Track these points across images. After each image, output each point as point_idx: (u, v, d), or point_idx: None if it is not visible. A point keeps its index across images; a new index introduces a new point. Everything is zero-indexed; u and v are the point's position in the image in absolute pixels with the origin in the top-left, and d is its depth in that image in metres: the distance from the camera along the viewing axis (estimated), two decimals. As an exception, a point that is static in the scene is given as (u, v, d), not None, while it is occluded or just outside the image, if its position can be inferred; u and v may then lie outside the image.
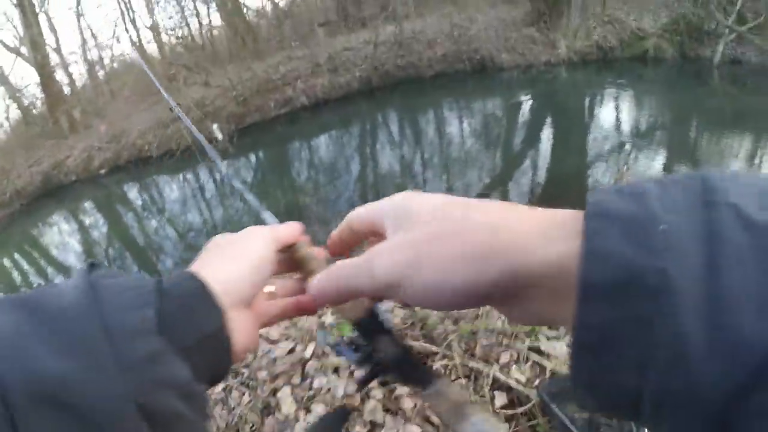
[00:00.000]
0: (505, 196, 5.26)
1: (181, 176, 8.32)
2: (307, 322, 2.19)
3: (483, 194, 5.25)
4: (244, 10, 11.01)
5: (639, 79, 9.45)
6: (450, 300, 0.24)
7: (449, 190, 5.55)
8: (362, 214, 0.32)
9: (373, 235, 0.32)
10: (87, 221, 8.08)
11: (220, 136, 8.24)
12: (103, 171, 9.40)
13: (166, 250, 5.77)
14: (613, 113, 7.93)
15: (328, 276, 0.30)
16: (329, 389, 1.81)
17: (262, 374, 2.00)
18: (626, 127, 7.17)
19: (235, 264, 0.33)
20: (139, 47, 14.32)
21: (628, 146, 6.41)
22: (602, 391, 0.20)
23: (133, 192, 8.67)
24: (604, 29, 9.97)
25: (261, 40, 10.69)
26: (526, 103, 8.43)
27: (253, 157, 8.58)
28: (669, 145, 6.39)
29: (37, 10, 12.67)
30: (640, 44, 10.10)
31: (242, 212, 6.19)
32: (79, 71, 15.66)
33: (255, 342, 0.33)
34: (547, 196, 4.96)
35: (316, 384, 1.85)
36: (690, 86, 9.06)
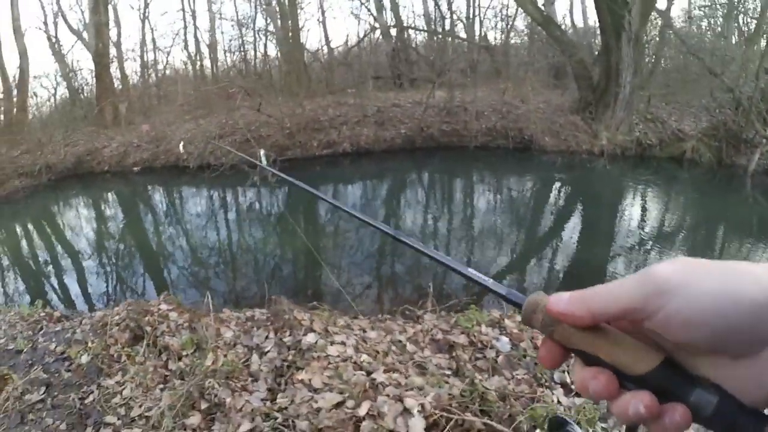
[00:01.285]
0: (523, 275, 5.29)
1: (211, 192, 8.40)
2: (354, 375, 2.06)
3: (502, 268, 5.30)
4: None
5: (674, 179, 9.57)
6: (722, 315, 0.25)
7: (470, 260, 5.58)
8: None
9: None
10: (107, 212, 8.13)
11: (265, 162, 8.47)
12: (136, 168, 9.50)
13: (175, 260, 5.67)
14: (644, 209, 8.00)
15: (584, 293, 0.30)
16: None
17: (302, 424, 1.82)
18: (653, 224, 7.22)
19: None
20: (194, 61, 15.07)
21: (651, 243, 6.43)
22: None
23: (159, 195, 8.78)
24: (645, 126, 10.21)
25: (313, 80, 11.16)
26: (562, 187, 8.57)
27: (292, 190, 8.75)
28: (691, 247, 6.43)
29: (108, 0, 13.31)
30: (678, 145, 10.28)
31: (258, 239, 6.21)
32: (133, 69, 16.32)
33: None
34: (567, 278, 5.00)
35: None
36: (722, 192, 9.14)
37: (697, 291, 0.26)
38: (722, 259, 0.29)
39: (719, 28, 14.45)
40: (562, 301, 0.30)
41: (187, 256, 5.78)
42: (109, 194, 9.04)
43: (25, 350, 2.62)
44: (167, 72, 17.10)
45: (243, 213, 7.70)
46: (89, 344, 2.54)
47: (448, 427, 1.82)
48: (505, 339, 2.52)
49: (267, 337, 2.50)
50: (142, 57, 15.90)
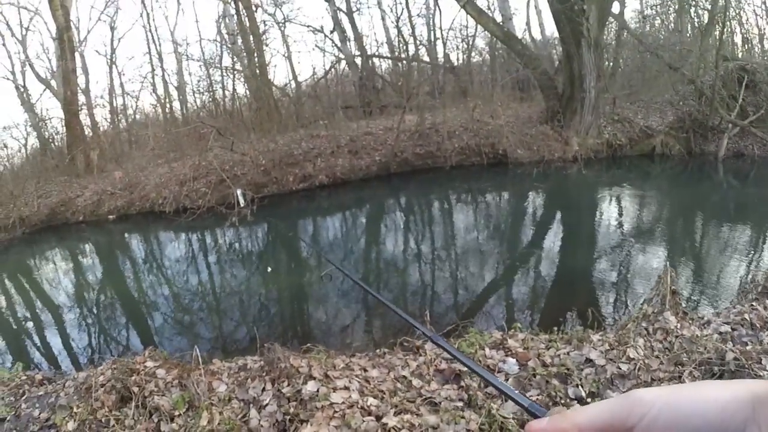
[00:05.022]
0: (512, 288, 5.26)
1: (189, 236, 8.28)
2: (364, 422, 1.85)
3: (491, 286, 5.24)
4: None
5: (647, 175, 9.74)
6: (698, 413, 0.28)
7: (457, 279, 5.53)
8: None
9: None
10: (85, 263, 7.86)
11: (242, 202, 8.38)
12: (111, 217, 9.28)
13: (159, 309, 5.49)
14: (621, 208, 8.08)
15: (565, 411, 0.32)
16: None
17: None
18: (633, 221, 7.28)
19: None
20: (163, 104, 15.02)
21: (633, 240, 6.45)
22: None
23: (137, 243, 8.59)
24: (614, 127, 10.43)
25: (284, 115, 11.18)
26: (540, 196, 8.65)
27: (272, 229, 8.65)
28: (673, 239, 6.47)
29: (75, 47, 13.13)
30: (647, 142, 10.51)
31: (242, 280, 6.12)
32: (103, 116, 16.20)
33: None
34: (557, 286, 5.00)
35: None
36: (695, 180, 9.33)
37: (673, 396, 0.30)
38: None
39: (672, 24, 14.96)
40: (542, 421, 0.31)
41: (170, 304, 5.60)
42: (86, 245, 8.82)
43: (8, 418, 2.43)
44: (137, 116, 17.04)
45: (224, 255, 7.57)
46: (75, 409, 2.35)
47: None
48: (511, 360, 2.45)
49: (264, 389, 2.31)
50: (111, 103, 15.82)
